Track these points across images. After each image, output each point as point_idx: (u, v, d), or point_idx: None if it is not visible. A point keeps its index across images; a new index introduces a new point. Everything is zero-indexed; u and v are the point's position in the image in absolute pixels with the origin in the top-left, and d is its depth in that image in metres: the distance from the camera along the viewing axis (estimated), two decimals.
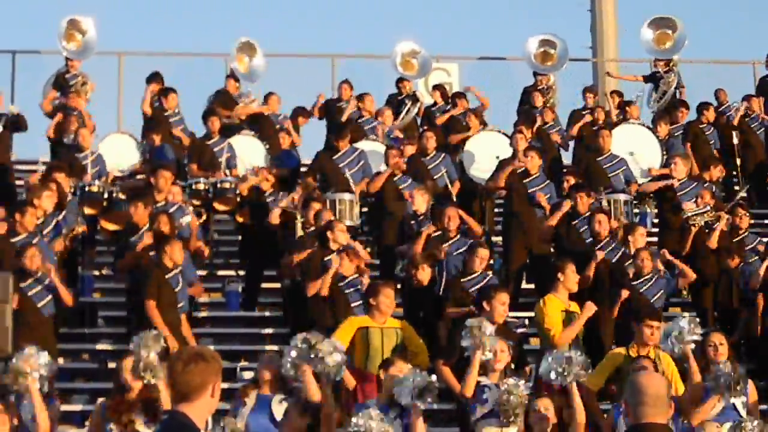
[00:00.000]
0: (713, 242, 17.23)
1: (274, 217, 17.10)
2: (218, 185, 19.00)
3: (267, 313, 18.21)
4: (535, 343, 16.14)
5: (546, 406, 11.39)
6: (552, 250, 17.29)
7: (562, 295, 14.57)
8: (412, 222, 17.14)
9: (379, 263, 17.51)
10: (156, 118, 21.38)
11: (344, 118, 21.61)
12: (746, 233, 17.67)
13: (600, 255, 15.93)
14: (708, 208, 17.44)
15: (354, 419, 10.75)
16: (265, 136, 21.06)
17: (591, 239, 16.67)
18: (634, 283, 15.88)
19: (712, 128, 22.28)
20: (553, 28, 23.56)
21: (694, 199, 17.94)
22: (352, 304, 15.08)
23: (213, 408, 7.48)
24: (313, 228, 16.47)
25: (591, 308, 14.08)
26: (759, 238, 17.82)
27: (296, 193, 17.81)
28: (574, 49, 24.72)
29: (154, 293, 14.98)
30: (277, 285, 17.84)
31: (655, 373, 8.06)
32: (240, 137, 20.89)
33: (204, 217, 18.66)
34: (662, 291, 16.03)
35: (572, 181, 18.74)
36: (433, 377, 11.46)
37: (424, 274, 15.88)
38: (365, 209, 19.63)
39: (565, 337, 13.97)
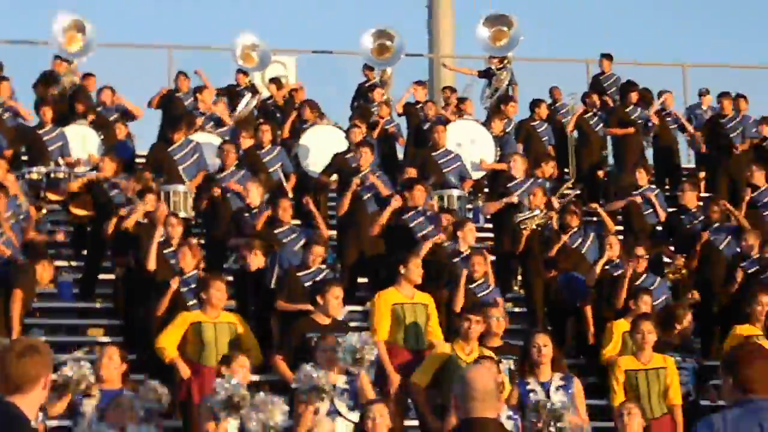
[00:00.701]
0: (552, 253, 17.39)
1: (130, 222, 16.69)
2: (51, 175, 18.58)
3: (97, 305, 17.84)
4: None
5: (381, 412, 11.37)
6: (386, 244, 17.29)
7: (404, 288, 14.48)
8: (246, 215, 17.03)
9: (210, 256, 17.27)
10: None
11: (180, 110, 21.47)
12: (576, 230, 17.80)
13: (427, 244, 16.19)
14: (538, 211, 17.57)
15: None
16: (99, 126, 20.67)
17: (423, 234, 16.76)
18: (470, 286, 15.76)
19: (546, 125, 22.52)
20: (390, 23, 23.46)
21: (526, 198, 18.09)
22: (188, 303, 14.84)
23: (43, 400, 7.47)
24: (147, 220, 16.35)
25: None
26: (590, 234, 18.00)
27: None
28: (410, 45, 24.75)
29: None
30: (111, 276, 17.49)
31: (484, 369, 8.10)
32: (74, 126, 20.42)
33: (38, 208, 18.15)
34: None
35: (407, 175, 18.83)
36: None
37: (256, 260, 15.91)
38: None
39: (382, 331, 14.08)
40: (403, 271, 14.47)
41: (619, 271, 16.30)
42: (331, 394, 11.93)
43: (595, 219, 19.70)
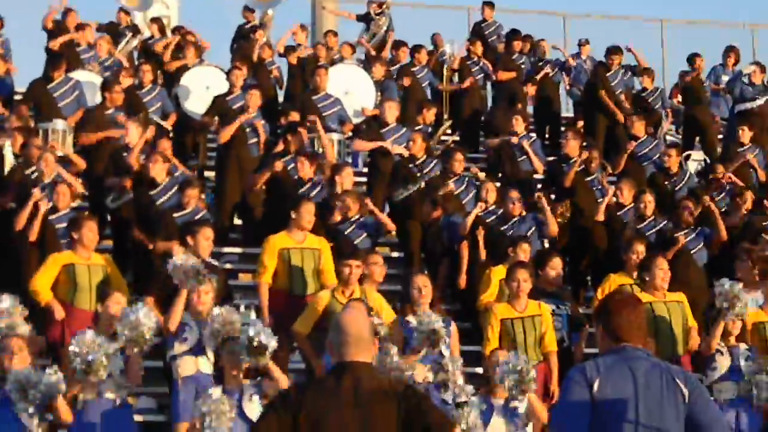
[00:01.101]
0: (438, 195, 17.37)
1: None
2: None
3: None
4: (246, 279, 16.27)
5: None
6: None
7: (295, 233, 14.52)
8: (124, 154, 16.84)
9: (89, 196, 17.16)
10: None
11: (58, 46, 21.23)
12: (459, 178, 17.89)
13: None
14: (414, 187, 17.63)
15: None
16: None
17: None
18: (341, 225, 15.84)
19: (426, 71, 22.55)
20: None
21: (405, 144, 18.16)
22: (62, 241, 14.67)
23: None
24: (21, 158, 16.21)
25: None
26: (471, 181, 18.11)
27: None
28: None
29: None
30: None
31: (358, 313, 8.16)
32: None
33: None
34: (367, 233, 16.07)
35: (289, 118, 18.86)
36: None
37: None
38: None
39: (266, 274, 14.18)
40: (294, 216, 14.48)
41: (492, 217, 16.48)
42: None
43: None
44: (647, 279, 14.04)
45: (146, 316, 11.45)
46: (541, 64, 23.26)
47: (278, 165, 16.92)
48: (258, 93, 18.38)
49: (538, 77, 22.94)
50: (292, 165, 16.92)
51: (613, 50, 22.23)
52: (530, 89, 23.01)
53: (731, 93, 22.30)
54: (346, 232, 15.76)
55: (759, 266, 14.72)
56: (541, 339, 13.46)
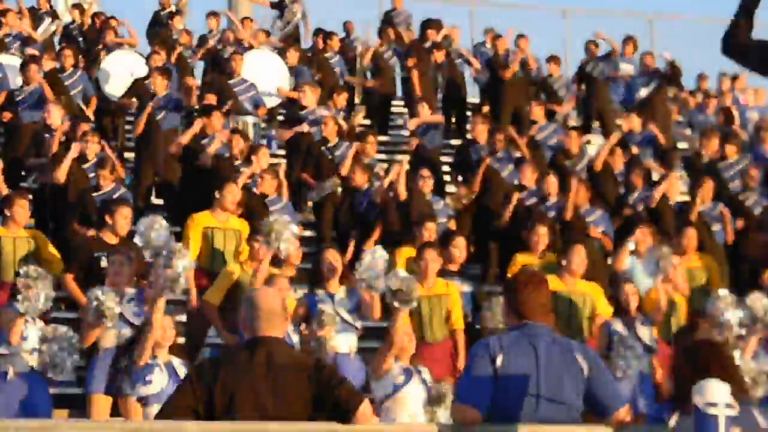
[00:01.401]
0: (344, 170, 17.39)
1: None
2: None
3: None
4: None
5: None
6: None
7: (218, 213, 14.58)
8: (46, 135, 16.68)
9: (9, 174, 16.64)
10: None
11: None
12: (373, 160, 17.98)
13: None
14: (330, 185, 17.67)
15: None
16: None
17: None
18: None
19: (338, 57, 22.53)
20: None
21: (318, 127, 18.20)
22: None
23: None
24: None
25: None
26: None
27: None
28: None
29: None
30: None
31: (270, 289, 8.21)
32: None
33: None
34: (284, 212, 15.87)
35: (206, 101, 18.81)
36: None
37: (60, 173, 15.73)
38: None
39: (191, 253, 14.05)
40: (218, 196, 14.59)
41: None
42: (114, 316, 11.97)
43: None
44: (564, 264, 14.14)
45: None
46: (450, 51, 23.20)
47: (198, 123, 17.03)
48: (162, 77, 18.23)
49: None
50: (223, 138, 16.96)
51: (520, 37, 22.34)
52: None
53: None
54: (269, 206, 15.76)
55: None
56: (447, 317, 13.51)
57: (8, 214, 13.88)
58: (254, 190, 15.93)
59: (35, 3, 23.05)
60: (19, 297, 11.86)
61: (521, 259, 15.06)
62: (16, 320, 11.63)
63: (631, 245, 15.19)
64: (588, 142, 19.58)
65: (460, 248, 14.88)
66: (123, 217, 13.71)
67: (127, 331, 12.24)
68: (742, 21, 6.87)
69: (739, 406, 7.04)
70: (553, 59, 22.97)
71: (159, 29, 22.82)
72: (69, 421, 11.35)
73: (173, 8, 23.55)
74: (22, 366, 11.60)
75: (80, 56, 20.30)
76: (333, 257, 13.46)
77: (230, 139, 16.82)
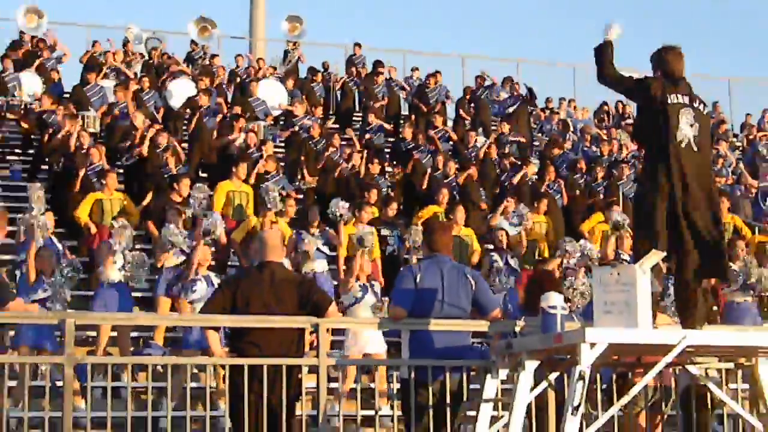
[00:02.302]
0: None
1: None
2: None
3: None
4: None
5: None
6: None
7: (235, 182, 14.44)
8: (132, 132, 16.34)
9: (109, 158, 16.38)
10: None
11: None
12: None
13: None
14: None
15: None
16: None
17: None
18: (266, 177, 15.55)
19: (319, 85, 22.25)
20: (215, 12, 22.70)
21: (310, 127, 18.07)
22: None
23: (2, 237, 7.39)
24: None
25: None
26: None
27: None
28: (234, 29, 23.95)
29: None
30: None
31: (274, 230, 8.26)
32: None
33: None
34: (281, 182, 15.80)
35: (234, 112, 18.58)
36: None
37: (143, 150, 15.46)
38: None
39: (217, 208, 13.98)
40: (235, 170, 14.52)
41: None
42: (178, 246, 12.24)
43: None
44: (451, 217, 14.20)
45: None
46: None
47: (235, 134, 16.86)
48: (205, 95, 18.17)
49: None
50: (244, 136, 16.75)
51: (433, 74, 22.05)
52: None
53: None
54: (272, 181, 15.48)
55: None
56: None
57: (104, 182, 13.83)
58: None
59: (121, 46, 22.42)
60: (114, 235, 11.83)
61: (432, 209, 15.11)
62: (109, 252, 11.55)
63: (501, 208, 15.23)
64: (476, 140, 19.40)
65: (392, 207, 14.95)
66: (184, 185, 13.68)
67: (182, 257, 12.20)
68: (607, 60, 6.75)
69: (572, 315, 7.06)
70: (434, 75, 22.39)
71: (199, 63, 22.26)
72: (143, 314, 11.28)
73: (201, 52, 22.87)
74: (115, 279, 11.51)
75: (154, 81, 20.02)
76: (313, 212, 13.49)
77: (248, 136, 16.74)
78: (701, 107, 6.64)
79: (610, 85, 7.00)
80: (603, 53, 6.75)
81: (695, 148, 6.51)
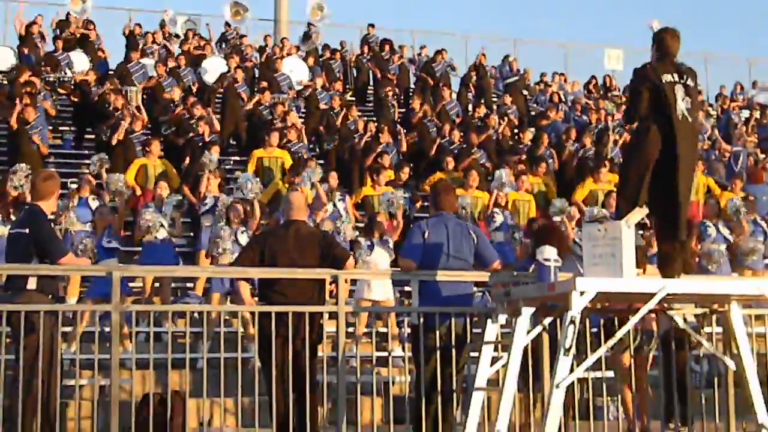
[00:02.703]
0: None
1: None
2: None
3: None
4: None
5: None
6: None
7: (267, 148, 14.31)
8: (171, 104, 16.41)
9: (151, 128, 16.31)
10: None
11: None
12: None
13: None
14: None
15: None
16: None
17: None
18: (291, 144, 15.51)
19: (338, 62, 21.92)
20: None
21: (329, 101, 17.90)
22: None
23: (54, 207, 7.41)
24: None
25: None
26: None
27: None
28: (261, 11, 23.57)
29: None
30: None
31: (298, 192, 8.27)
32: None
33: None
34: (302, 148, 15.84)
35: (262, 86, 18.49)
36: None
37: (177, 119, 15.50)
38: None
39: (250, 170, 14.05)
40: (267, 138, 14.46)
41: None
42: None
43: None
44: (465, 180, 14.14)
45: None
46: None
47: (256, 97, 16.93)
48: (239, 70, 18.03)
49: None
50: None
51: (439, 51, 21.79)
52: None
53: None
54: (294, 149, 15.40)
55: None
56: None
57: (148, 150, 13.81)
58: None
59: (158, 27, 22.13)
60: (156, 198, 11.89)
61: (439, 175, 15.00)
62: (152, 215, 11.54)
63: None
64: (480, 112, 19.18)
65: (404, 172, 14.92)
66: (215, 152, 13.67)
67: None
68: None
69: (566, 260, 7.04)
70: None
71: (231, 43, 22.08)
72: (181, 267, 11.31)
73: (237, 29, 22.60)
74: (159, 236, 11.53)
75: (190, 59, 19.91)
76: (333, 178, 13.43)
77: (274, 106, 16.71)
78: (690, 81, 6.59)
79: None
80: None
81: (689, 119, 6.48)
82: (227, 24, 22.59)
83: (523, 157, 16.55)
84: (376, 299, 10.93)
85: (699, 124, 6.81)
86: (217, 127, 16.21)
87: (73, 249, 9.64)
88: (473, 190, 14.12)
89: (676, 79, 6.53)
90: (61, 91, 18.00)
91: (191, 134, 15.19)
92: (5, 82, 17.26)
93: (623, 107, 15.65)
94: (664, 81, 6.50)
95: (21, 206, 10.39)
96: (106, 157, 13.52)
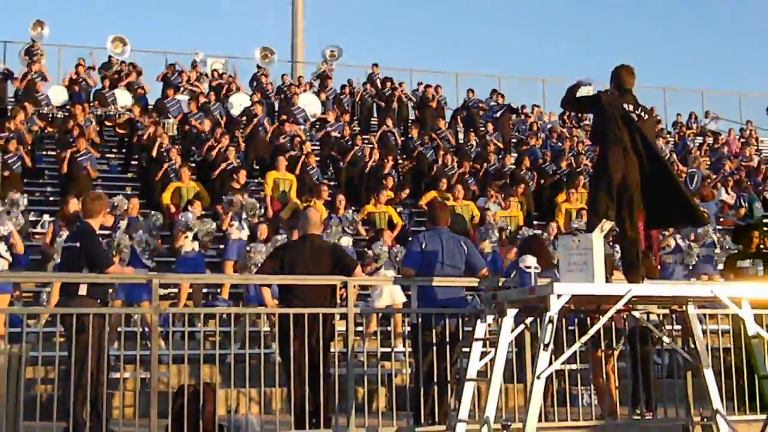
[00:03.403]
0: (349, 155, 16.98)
1: None
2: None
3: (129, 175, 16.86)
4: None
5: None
6: None
7: (281, 171, 14.24)
8: (202, 135, 16.38)
9: (183, 157, 16.19)
10: None
11: None
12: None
13: None
14: None
15: None
16: None
17: None
18: (308, 168, 15.50)
19: (347, 97, 22.01)
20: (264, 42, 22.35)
21: (341, 131, 17.87)
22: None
23: (101, 223, 7.41)
24: None
25: None
26: None
27: None
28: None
29: None
30: None
31: (314, 209, 8.17)
32: None
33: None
34: (316, 174, 15.79)
35: (282, 118, 18.45)
36: None
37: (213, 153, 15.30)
38: None
39: (268, 190, 14.07)
40: (276, 164, 14.38)
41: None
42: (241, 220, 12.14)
43: None
44: (451, 194, 14.15)
45: None
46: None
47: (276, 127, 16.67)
48: (260, 106, 17.79)
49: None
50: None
51: (434, 87, 21.71)
52: None
53: None
54: (311, 172, 15.35)
55: None
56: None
57: (180, 175, 13.86)
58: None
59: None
60: (189, 215, 11.82)
61: (432, 194, 14.92)
62: (182, 231, 11.52)
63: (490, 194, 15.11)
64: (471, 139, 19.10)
65: (404, 192, 14.94)
66: (243, 176, 13.69)
67: (245, 231, 12.23)
68: (572, 95, 6.72)
69: (548, 272, 7.02)
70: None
71: (257, 81, 22.04)
72: (211, 275, 11.29)
73: (264, 69, 22.50)
74: (190, 249, 11.51)
75: (220, 95, 19.89)
76: (341, 198, 13.40)
77: (293, 138, 16.68)
78: (643, 113, 6.58)
79: (569, 107, 7.04)
80: (571, 91, 6.74)
81: (640, 146, 6.47)
82: (258, 66, 22.66)
83: (507, 181, 16.51)
84: (387, 302, 10.91)
85: (658, 150, 6.77)
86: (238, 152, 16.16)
87: (111, 249, 9.69)
88: (461, 201, 14.16)
89: (632, 109, 6.54)
90: (108, 123, 18.01)
91: (220, 161, 15.19)
92: (60, 116, 17.28)
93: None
94: (625, 109, 6.51)
95: (73, 222, 10.43)
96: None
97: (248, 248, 11.21)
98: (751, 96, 27.16)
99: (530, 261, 6.60)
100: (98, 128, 16.91)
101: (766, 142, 24.27)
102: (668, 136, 22.99)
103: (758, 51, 53.67)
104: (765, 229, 9.46)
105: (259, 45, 21.81)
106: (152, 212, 11.81)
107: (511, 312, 6.40)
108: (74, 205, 11.07)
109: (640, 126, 6.43)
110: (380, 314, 9.93)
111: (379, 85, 22.19)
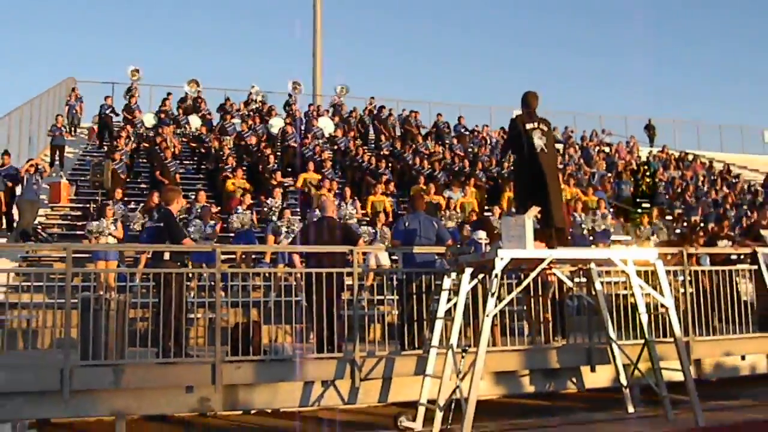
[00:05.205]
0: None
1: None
2: None
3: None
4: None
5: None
6: None
7: (308, 174, 14.01)
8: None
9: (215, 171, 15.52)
10: None
11: None
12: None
13: None
14: None
15: None
16: None
17: None
18: (324, 171, 15.09)
19: (354, 120, 21.71)
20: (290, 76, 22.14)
21: (375, 146, 17.53)
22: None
23: (177, 209, 7.33)
24: None
25: None
26: None
27: None
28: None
29: None
30: None
31: (329, 198, 8.13)
32: None
33: None
34: (331, 174, 15.53)
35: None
36: None
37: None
38: None
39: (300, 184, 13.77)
40: (307, 166, 14.04)
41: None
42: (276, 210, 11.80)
43: None
44: (427, 188, 13.97)
45: None
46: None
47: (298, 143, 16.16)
48: (289, 126, 17.21)
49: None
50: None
51: (414, 112, 21.43)
52: None
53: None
54: (326, 173, 15.00)
55: None
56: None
57: (235, 175, 13.56)
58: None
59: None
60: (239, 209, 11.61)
61: (417, 188, 14.59)
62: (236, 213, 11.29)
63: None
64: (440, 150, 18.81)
65: (393, 186, 14.65)
66: (278, 176, 13.52)
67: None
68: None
69: (494, 243, 6.98)
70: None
71: (289, 107, 21.58)
72: (258, 245, 11.18)
73: (293, 98, 22.02)
74: (239, 226, 11.32)
75: (263, 118, 19.54)
76: (347, 191, 13.22)
77: (315, 148, 16.48)
78: (545, 127, 6.51)
79: (505, 145, 6.95)
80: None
81: (546, 151, 6.41)
82: (289, 95, 22.39)
83: (464, 178, 16.40)
84: (381, 264, 10.89)
85: (555, 153, 6.72)
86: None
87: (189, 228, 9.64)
88: (432, 194, 14.06)
89: (536, 126, 6.46)
90: (184, 139, 17.86)
91: (263, 165, 15.05)
92: (151, 134, 17.13)
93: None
94: (527, 128, 6.44)
95: (152, 211, 10.35)
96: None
97: (279, 224, 11.17)
98: (634, 118, 27.41)
99: (482, 234, 6.59)
100: (178, 143, 16.76)
101: (644, 150, 24.30)
102: (576, 146, 22.93)
103: (643, 78, 53.39)
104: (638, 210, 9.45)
105: (289, 79, 21.47)
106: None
107: (469, 270, 6.38)
108: (155, 198, 10.99)
109: (540, 137, 6.39)
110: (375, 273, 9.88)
111: (375, 110, 22.02)
